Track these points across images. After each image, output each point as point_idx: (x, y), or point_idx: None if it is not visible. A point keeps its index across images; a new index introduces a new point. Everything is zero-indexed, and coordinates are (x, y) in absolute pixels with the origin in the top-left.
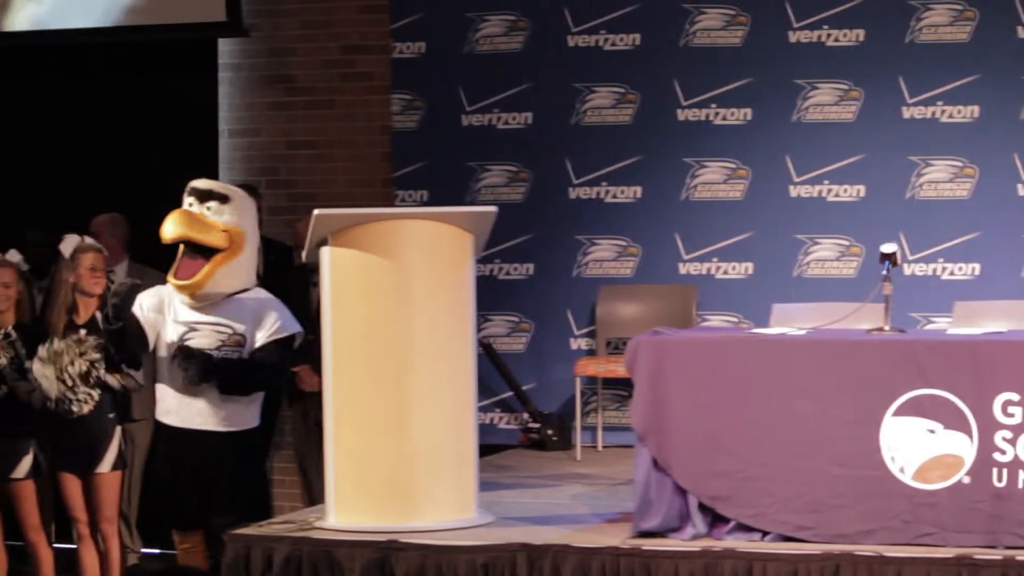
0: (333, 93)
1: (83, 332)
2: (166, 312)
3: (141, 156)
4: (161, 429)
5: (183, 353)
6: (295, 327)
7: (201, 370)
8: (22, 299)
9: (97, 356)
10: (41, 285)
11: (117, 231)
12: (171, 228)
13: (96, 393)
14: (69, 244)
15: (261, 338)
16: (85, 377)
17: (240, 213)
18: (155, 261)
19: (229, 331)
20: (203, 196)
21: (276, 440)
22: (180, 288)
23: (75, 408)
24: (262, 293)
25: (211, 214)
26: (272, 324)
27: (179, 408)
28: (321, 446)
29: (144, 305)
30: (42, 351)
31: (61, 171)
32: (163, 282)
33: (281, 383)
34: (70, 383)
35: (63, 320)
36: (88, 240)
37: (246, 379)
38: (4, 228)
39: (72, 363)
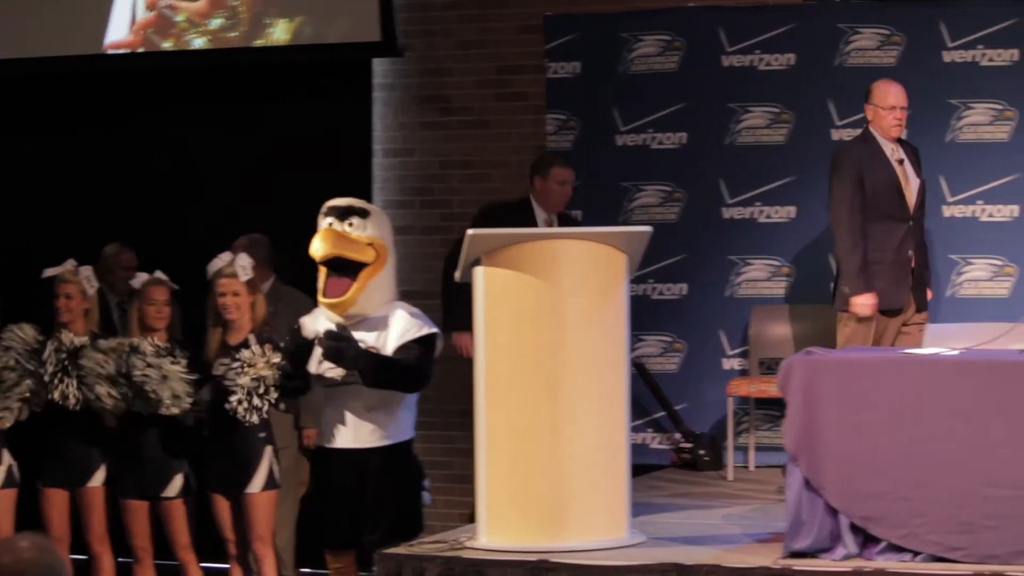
0: (487, 113)
1: (257, 348)
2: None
3: (294, 176)
4: (315, 452)
5: (328, 334)
6: (432, 327)
7: (344, 350)
8: (174, 319)
9: (276, 372)
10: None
11: (259, 251)
12: (321, 247)
13: (266, 407)
14: (216, 265)
15: (397, 340)
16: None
17: (380, 226)
18: (302, 282)
19: (366, 344)
20: (343, 213)
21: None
22: (332, 306)
23: (246, 416)
24: (400, 305)
25: (354, 230)
26: (408, 326)
27: (329, 427)
28: None
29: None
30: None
31: (213, 191)
32: (307, 303)
33: (422, 384)
34: (258, 390)
35: (216, 342)
36: (156, 274)
37: (383, 372)
38: (156, 248)
39: (260, 373)
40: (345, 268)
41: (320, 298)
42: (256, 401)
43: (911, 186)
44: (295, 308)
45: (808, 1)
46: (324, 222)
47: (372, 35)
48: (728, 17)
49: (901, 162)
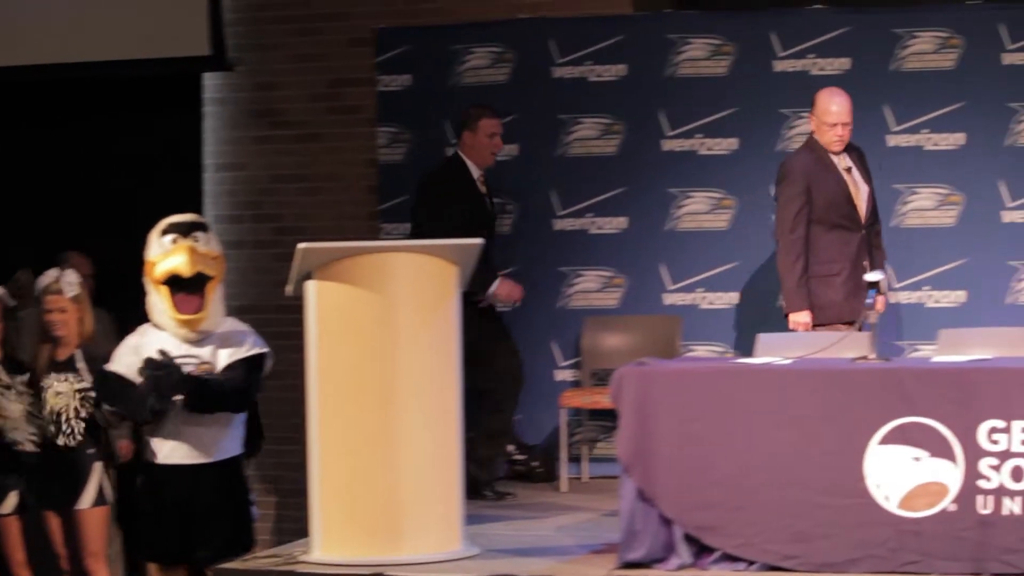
0: (319, 127)
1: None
2: (142, 355)
3: (123, 191)
4: (144, 468)
5: (150, 363)
6: (262, 347)
7: (166, 381)
8: (8, 335)
9: (84, 390)
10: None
11: (84, 269)
12: (188, 264)
13: (81, 427)
14: (43, 281)
15: (227, 359)
16: (76, 411)
17: (217, 240)
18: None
19: (196, 360)
20: (188, 229)
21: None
22: (188, 323)
23: (63, 441)
24: (234, 320)
25: (201, 245)
26: (238, 345)
27: (160, 444)
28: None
29: (125, 363)
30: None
31: (44, 208)
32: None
33: (247, 404)
34: (64, 416)
35: (44, 358)
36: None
37: (207, 397)
38: None
39: (71, 398)
40: (191, 285)
41: (174, 315)
42: (65, 427)
43: (861, 194)
44: (106, 330)
45: (638, 12)
46: (166, 239)
47: (202, 49)
48: (558, 28)
49: (849, 170)
